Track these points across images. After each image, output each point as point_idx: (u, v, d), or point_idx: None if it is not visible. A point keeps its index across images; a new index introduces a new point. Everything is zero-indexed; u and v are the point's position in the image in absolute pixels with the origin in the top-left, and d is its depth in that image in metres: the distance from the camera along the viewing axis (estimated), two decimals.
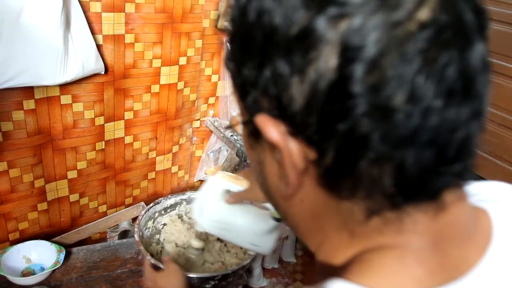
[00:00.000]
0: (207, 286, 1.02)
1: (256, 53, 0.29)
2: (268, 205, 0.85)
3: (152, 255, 1.05)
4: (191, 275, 0.99)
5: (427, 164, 0.27)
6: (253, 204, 0.92)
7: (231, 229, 0.90)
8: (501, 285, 0.31)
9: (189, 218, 1.27)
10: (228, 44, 0.32)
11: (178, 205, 1.24)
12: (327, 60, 0.25)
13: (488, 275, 0.31)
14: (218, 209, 0.90)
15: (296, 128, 0.28)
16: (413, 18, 0.24)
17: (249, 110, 0.31)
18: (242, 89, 0.31)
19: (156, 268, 0.98)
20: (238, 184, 0.87)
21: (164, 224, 1.21)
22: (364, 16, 0.24)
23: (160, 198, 1.20)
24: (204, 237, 1.15)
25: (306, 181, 0.31)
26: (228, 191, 0.89)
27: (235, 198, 0.87)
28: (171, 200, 1.21)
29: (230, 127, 0.38)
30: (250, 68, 0.29)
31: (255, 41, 0.28)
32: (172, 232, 1.20)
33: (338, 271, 0.32)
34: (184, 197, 1.24)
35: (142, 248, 1.02)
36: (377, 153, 0.26)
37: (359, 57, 0.25)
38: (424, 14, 0.24)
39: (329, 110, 0.26)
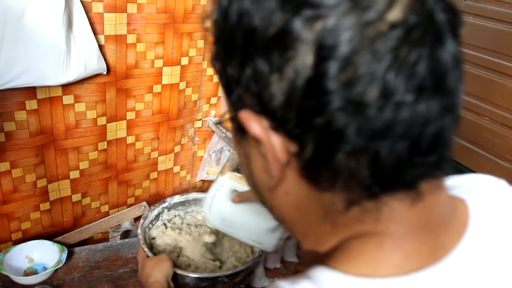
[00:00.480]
0: (204, 284, 1.03)
1: (238, 52, 0.30)
2: None
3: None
4: (191, 274, 1.00)
5: (401, 156, 0.28)
6: (258, 204, 0.95)
7: (236, 226, 0.96)
8: (475, 270, 0.32)
9: (174, 224, 1.29)
10: (213, 44, 0.33)
11: (160, 214, 1.25)
12: (304, 59, 0.27)
13: (463, 260, 0.32)
14: (224, 207, 0.95)
15: (277, 123, 0.30)
16: (383, 18, 0.26)
17: (234, 106, 0.33)
18: (227, 87, 0.33)
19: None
20: (245, 184, 0.92)
21: (153, 238, 1.21)
22: (337, 17, 0.26)
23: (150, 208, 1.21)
24: (216, 232, 1.17)
25: (289, 173, 0.33)
26: (235, 191, 0.93)
27: (240, 198, 0.92)
28: (155, 212, 1.22)
29: (219, 123, 0.40)
30: (233, 67, 0.31)
31: (237, 42, 0.30)
32: (168, 243, 1.21)
33: (321, 259, 0.34)
34: (165, 205, 1.25)
35: (140, 236, 1.04)
36: (352, 145, 0.28)
37: (333, 55, 0.26)
38: (394, 14, 0.26)
39: (306, 105, 0.28)
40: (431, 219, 0.32)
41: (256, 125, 0.31)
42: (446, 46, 0.27)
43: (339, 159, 0.29)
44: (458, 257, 0.32)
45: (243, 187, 0.91)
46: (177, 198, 1.28)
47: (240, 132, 0.35)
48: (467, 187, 0.38)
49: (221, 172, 0.93)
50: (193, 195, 1.33)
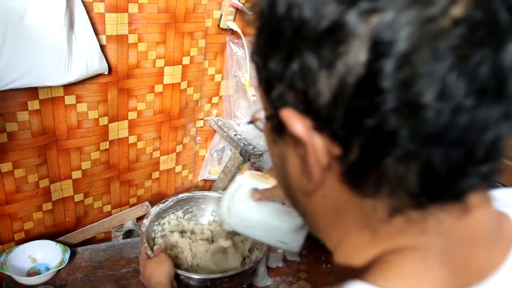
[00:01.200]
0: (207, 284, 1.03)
1: (284, 46, 0.28)
2: None
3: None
4: (194, 276, 1.00)
5: (454, 164, 0.26)
6: (281, 202, 0.93)
7: (259, 227, 0.91)
8: None
9: (176, 223, 1.29)
10: (254, 37, 0.32)
11: (162, 214, 1.26)
12: (357, 55, 0.25)
13: (510, 279, 0.30)
14: (245, 207, 0.91)
15: (321, 123, 0.28)
16: (446, 14, 0.24)
17: (273, 104, 0.31)
18: (267, 83, 0.31)
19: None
20: (266, 182, 0.88)
21: (155, 238, 1.22)
22: (396, 11, 0.24)
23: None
24: (232, 236, 1.16)
25: (329, 177, 0.31)
26: (255, 190, 0.90)
27: (262, 196, 0.88)
28: (156, 211, 1.22)
29: (251, 122, 0.38)
30: (277, 62, 0.29)
31: (284, 35, 0.28)
32: (170, 242, 1.22)
33: (358, 272, 0.32)
34: (166, 204, 1.26)
35: (143, 239, 1.04)
36: (404, 150, 0.26)
37: (390, 52, 0.24)
38: (458, 10, 0.24)
39: (356, 105, 0.26)
40: (478, 234, 0.30)
41: (299, 124, 0.29)
42: (508, 48, 0.25)
43: (388, 164, 0.27)
44: (505, 275, 0.30)
45: (264, 185, 0.87)
46: (180, 197, 1.29)
47: (277, 131, 0.33)
48: (505, 200, 0.36)
49: (239, 172, 0.91)
50: (198, 194, 1.34)
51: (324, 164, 0.29)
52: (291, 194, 0.36)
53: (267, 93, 0.32)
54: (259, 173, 0.91)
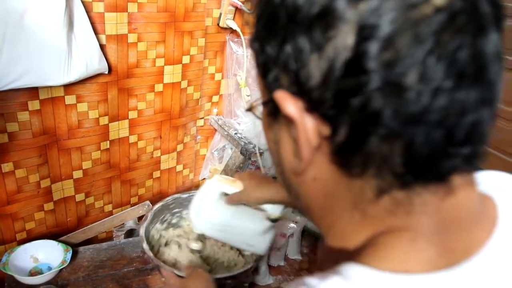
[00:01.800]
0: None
1: (280, 31, 0.30)
2: (264, 206, 0.86)
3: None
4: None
5: (436, 144, 0.28)
6: (248, 206, 0.94)
7: (227, 230, 0.93)
8: (507, 265, 0.32)
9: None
10: (253, 25, 0.34)
11: (160, 214, 1.25)
12: (345, 38, 0.27)
13: (495, 256, 0.32)
14: (214, 211, 0.92)
15: (312, 104, 0.30)
16: (429, 2, 0.26)
17: (269, 88, 0.33)
18: (264, 67, 0.33)
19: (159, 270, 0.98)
20: (234, 186, 0.90)
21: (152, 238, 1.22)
22: None
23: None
24: (203, 238, 1.16)
25: (318, 158, 0.32)
26: (224, 194, 0.91)
27: (232, 200, 0.90)
28: (154, 211, 1.21)
29: (249, 109, 0.39)
30: (273, 46, 0.31)
31: (279, 20, 0.30)
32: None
33: (351, 255, 0.33)
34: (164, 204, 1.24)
35: (159, 263, 0.99)
36: (388, 129, 0.27)
37: (375, 36, 0.26)
38: None
39: (344, 85, 0.28)
40: (463, 214, 0.32)
41: (291, 105, 0.31)
42: (489, 37, 0.27)
43: (372, 143, 0.28)
44: (490, 254, 0.32)
45: (233, 189, 0.88)
46: (177, 196, 1.29)
47: (272, 115, 0.35)
48: (487, 184, 0.38)
49: (208, 176, 0.92)
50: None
51: (314, 144, 0.31)
52: (284, 177, 0.38)
53: (264, 77, 0.34)
54: (228, 177, 0.92)
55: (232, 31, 1.35)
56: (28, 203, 1.14)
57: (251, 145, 1.35)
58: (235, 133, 1.40)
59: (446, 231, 0.31)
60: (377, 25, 0.26)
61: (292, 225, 1.34)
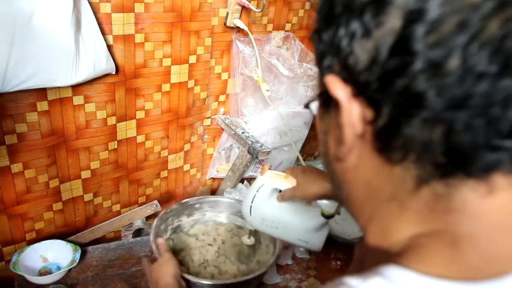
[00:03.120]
0: None
1: (335, 19, 0.32)
2: (318, 202, 0.86)
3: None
4: (203, 281, 0.99)
5: (477, 133, 0.28)
6: (301, 202, 0.94)
7: (280, 226, 0.93)
8: None
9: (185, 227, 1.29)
10: (315, 19, 0.36)
11: (170, 218, 1.26)
12: (394, 22, 0.28)
13: None
14: (267, 207, 0.93)
15: (359, 88, 0.31)
16: None
17: (323, 75, 0.35)
18: (321, 55, 0.35)
19: (152, 260, 1.00)
20: (286, 182, 0.90)
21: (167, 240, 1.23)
22: None
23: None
24: (255, 233, 1.17)
25: (362, 145, 0.34)
26: (276, 190, 0.91)
27: (284, 196, 0.90)
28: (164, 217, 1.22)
29: (306, 106, 0.41)
30: (329, 33, 0.33)
31: (336, 9, 0.32)
32: (179, 246, 1.23)
33: (391, 256, 0.33)
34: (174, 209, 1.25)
35: (152, 236, 1.04)
36: (430, 111, 0.28)
37: (422, 19, 0.27)
38: None
39: (389, 66, 0.29)
40: (507, 221, 0.31)
41: (340, 89, 0.32)
42: None
43: (414, 126, 0.29)
44: None
45: (285, 185, 0.89)
46: (187, 201, 1.29)
47: (325, 106, 0.37)
48: None
49: (260, 172, 0.93)
50: (208, 199, 1.34)
51: (358, 130, 0.32)
52: (329, 166, 0.39)
53: (319, 66, 0.36)
54: (279, 173, 0.92)
55: (239, 30, 1.35)
56: (37, 203, 1.15)
57: (258, 144, 1.35)
58: (242, 132, 1.40)
59: (491, 236, 0.30)
60: (425, 9, 0.27)
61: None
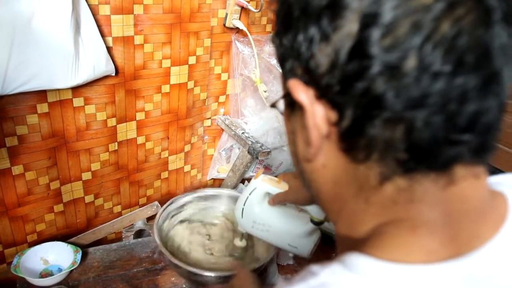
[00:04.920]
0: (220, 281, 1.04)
1: (294, 23, 0.33)
2: (308, 208, 0.87)
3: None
4: (206, 273, 1.00)
5: (436, 130, 0.29)
6: (292, 207, 0.95)
7: (270, 230, 0.94)
8: (511, 262, 0.32)
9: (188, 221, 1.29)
10: (274, 22, 0.37)
11: (172, 213, 1.27)
12: (350, 26, 0.29)
13: (500, 252, 0.32)
14: (258, 210, 0.93)
15: (321, 91, 0.32)
16: None
17: (286, 78, 0.36)
18: (282, 59, 0.36)
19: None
20: (279, 187, 0.91)
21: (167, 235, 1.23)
22: None
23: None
24: (247, 236, 1.17)
25: (328, 146, 0.35)
26: (268, 194, 0.92)
27: (276, 200, 0.90)
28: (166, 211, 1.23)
29: (273, 105, 0.42)
30: (288, 37, 0.34)
31: (293, 14, 0.33)
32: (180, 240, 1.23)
33: (356, 244, 0.34)
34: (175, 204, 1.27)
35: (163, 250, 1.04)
36: (390, 112, 0.29)
37: (377, 23, 0.28)
38: None
39: (348, 70, 0.29)
40: (467, 207, 0.32)
41: (302, 92, 0.33)
42: (492, 30, 0.28)
43: (376, 127, 0.30)
44: (495, 248, 0.32)
45: (277, 189, 0.89)
46: (188, 196, 1.30)
47: (290, 107, 0.38)
48: (504, 184, 0.38)
49: (255, 176, 0.94)
50: (205, 192, 1.35)
51: (323, 131, 0.33)
52: (299, 166, 0.40)
53: (282, 68, 0.37)
54: (272, 177, 0.93)
55: (238, 30, 1.35)
56: (39, 205, 1.15)
57: (259, 144, 1.35)
58: (242, 133, 1.40)
59: (449, 222, 0.32)
60: (379, 13, 0.27)
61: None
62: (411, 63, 0.27)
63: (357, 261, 0.31)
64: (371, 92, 0.29)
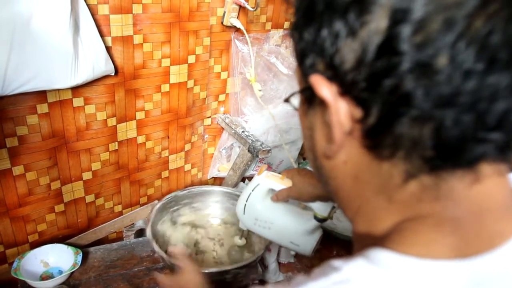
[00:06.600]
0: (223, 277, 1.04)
1: (317, 17, 0.32)
2: (312, 204, 0.86)
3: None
4: (208, 269, 1.01)
5: (466, 128, 0.28)
6: (295, 204, 0.94)
7: (273, 227, 0.92)
8: None
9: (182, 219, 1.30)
10: (293, 15, 0.36)
11: (165, 211, 1.27)
12: (379, 22, 0.28)
13: None
14: (260, 207, 0.92)
15: (346, 88, 0.31)
16: None
17: (306, 74, 0.34)
18: (302, 54, 0.35)
19: (171, 269, 0.98)
20: (282, 183, 0.89)
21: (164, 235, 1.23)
22: None
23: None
24: (246, 234, 1.17)
25: (350, 142, 0.34)
26: (272, 190, 0.91)
27: (279, 196, 0.89)
28: (159, 208, 1.23)
29: (286, 100, 0.41)
30: (311, 32, 0.32)
31: (317, 8, 0.31)
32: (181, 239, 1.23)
33: (377, 240, 0.34)
34: (167, 200, 1.27)
35: (156, 248, 1.04)
36: (419, 110, 0.28)
37: (407, 19, 0.27)
38: None
39: (376, 67, 0.29)
40: (491, 205, 0.32)
41: (326, 88, 0.32)
42: None
43: (403, 125, 0.29)
44: None
45: (280, 186, 0.88)
46: (180, 192, 1.30)
47: (308, 102, 0.37)
48: None
49: (257, 172, 0.92)
50: (198, 189, 1.35)
51: (346, 128, 0.32)
52: (316, 162, 0.39)
53: (301, 63, 0.35)
54: (275, 174, 0.92)
55: (237, 29, 1.35)
56: (39, 205, 1.16)
57: (259, 143, 1.35)
58: (242, 131, 1.40)
59: (473, 220, 0.31)
60: (410, 9, 0.27)
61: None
62: (442, 61, 0.26)
63: (381, 255, 0.31)
64: (400, 89, 0.28)
